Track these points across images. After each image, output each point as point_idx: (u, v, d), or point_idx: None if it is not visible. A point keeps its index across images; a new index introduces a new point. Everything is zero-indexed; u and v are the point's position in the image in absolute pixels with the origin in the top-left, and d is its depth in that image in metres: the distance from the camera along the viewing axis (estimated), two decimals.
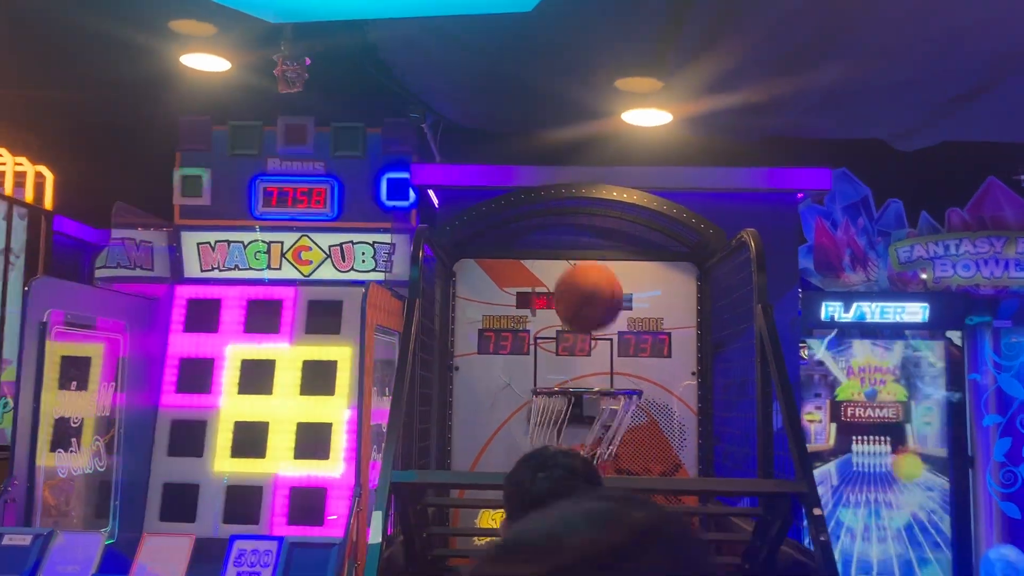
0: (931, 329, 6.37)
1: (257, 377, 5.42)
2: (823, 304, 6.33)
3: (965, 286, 6.38)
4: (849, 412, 6.36)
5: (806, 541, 3.59)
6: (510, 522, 2.08)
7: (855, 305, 6.31)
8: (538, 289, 4.85)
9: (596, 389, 4.22)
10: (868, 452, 6.31)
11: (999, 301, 6.33)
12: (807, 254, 6.40)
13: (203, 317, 5.56)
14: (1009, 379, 6.27)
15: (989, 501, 6.24)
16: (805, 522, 3.26)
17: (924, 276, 6.41)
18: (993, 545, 6.18)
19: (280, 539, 3.87)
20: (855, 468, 6.32)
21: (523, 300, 4.89)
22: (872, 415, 6.35)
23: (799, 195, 5.27)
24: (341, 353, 5.36)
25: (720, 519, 4.44)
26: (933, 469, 6.33)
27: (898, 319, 6.29)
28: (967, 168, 6.34)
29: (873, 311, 6.30)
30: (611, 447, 3.96)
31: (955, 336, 6.38)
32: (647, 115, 5.13)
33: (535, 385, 4.64)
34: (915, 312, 6.28)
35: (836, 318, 6.34)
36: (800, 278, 5.83)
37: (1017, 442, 6.22)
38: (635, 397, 4.06)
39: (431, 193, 5.36)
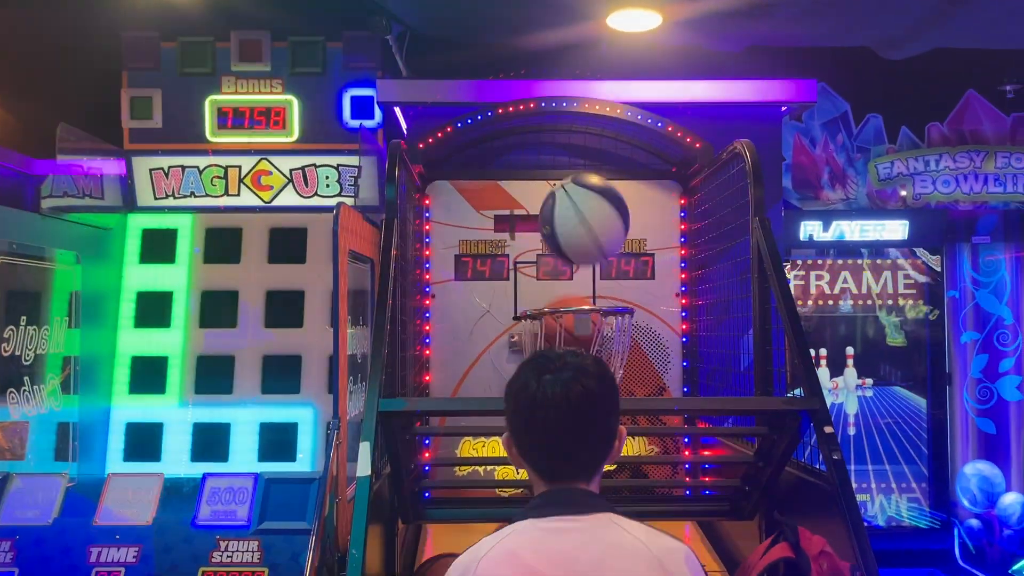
0: (911, 246, 6.29)
1: (220, 310, 5.15)
2: (802, 223, 6.21)
3: (944, 202, 6.29)
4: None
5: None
6: (514, 437, 1.87)
7: (834, 224, 6.20)
8: (517, 211, 4.63)
9: (586, 308, 4.03)
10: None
11: (978, 217, 6.26)
12: (785, 172, 6.24)
13: (159, 248, 5.24)
14: (987, 295, 6.24)
15: (966, 417, 6.26)
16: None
17: (904, 193, 6.31)
18: (969, 460, 6.21)
19: (256, 475, 3.68)
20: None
21: (501, 223, 4.66)
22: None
23: (783, 108, 5.07)
24: (308, 282, 5.11)
25: (707, 443, 4.34)
26: (912, 387, 6.32)
27: (878, 237, 6.20)
28: (947, 82, 6.20)
29: (853, 229, 6.19)
30: (618, 371, 3.79)
31: (922, 256, 6.30)
32: (636, 17, 4.85)
33: (515, 311, 4.46)
34: (895, 230, 6.18)
35: (815, 238, 6.23)
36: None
37: (994, 358, 6.22)
38: (627, 316, 3.89)
39: (398, 111, 5.05)
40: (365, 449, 2.77)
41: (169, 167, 5.31)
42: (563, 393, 1.76)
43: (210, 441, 4.98)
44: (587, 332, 3.85)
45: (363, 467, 2.74)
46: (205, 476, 3.67)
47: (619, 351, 3.80)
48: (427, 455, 4.45)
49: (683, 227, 4.69)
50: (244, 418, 5.01)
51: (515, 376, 1.86)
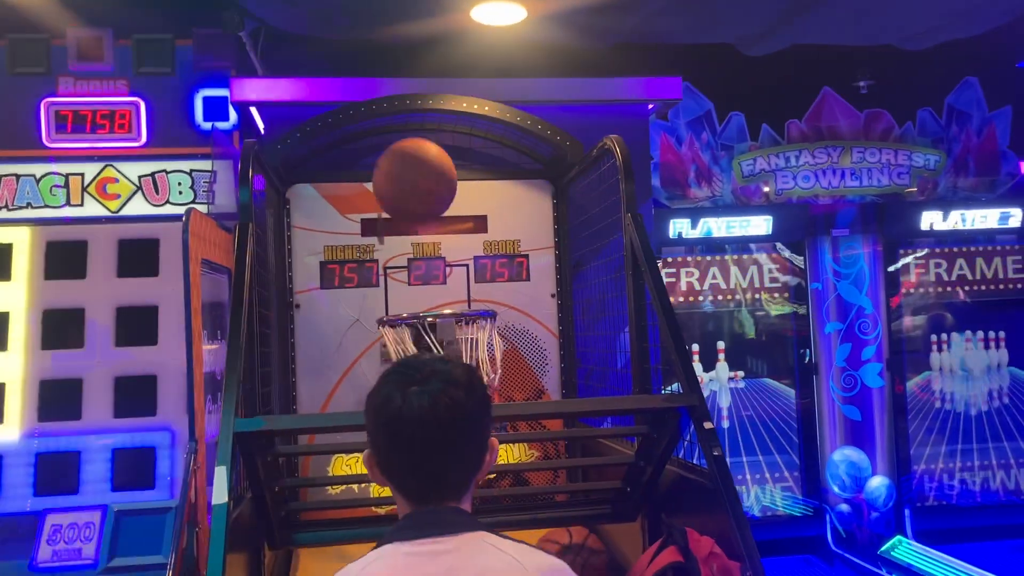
0: (775, 241, 6.44)
1: (63, 330, 4.74)
2: (671, 221, 6.26)
3: (805, 197, 6.47)
4: None
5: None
6: (376, 455, 1.70)
7: (701, 221, 6.27)
8: (384, 215, 4.44)
9: (448, 312, 3.89)
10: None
11: (837, 211, 6.47)
12: (654, 171, 6.28)
13: None
14: (848, 286, 6.45)
15: (832, 406, 6.44)
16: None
17: (766, 189, 6.45)
18: (837, 447, 6.40)
19: (103, 507, 3.36)
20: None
21: (368, 227, 4.48)
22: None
23: (650, 106, 5.08)
24: (161, 296, 4.76)
25: (588, 444, 4.28)
26: (782, 378, 6.47)
27: (743, 233, 6.31)
28: (805, 79, 6.39)
29: (719, 226, 6.28)
30: (494, 376, 3.65)
31: (785, 250, 6.47)
32: (499, 10, 4.74)
33: (385, 316, 4.28)
34: (759, 225, 6.31)
35: (684, 235, 6.29)
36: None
37: (856, 347, 6.43)
38: (489, 319, 3.77)
39: (254, 112, 4.79)
40: (221, 474, 2.53)
41: (1, 176, 4.86)
42: (430, 406, 1.60)
43: (57, 473, 4.57)
44: (449, 337, 3.72)
45: (219, 493, 2.50)
46: (44, 512, 3.32)
47: (488, 356, 3.68)
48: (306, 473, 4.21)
49: (556, 227, 4.62)
50: (95, 445, 4.62)
51: (376, 388, 1.69)
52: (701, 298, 6.43)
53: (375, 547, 1.65)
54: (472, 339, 3.79)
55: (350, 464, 4.41)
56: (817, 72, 6.37)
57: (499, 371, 3.69)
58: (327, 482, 4.17)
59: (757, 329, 6.46)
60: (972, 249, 6.68)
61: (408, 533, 1.63)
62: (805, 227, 6.44)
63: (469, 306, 4.39)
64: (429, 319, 3.70)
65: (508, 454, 4.51)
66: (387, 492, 3.57)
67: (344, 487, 4.29)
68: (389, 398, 1.63)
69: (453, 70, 4.95)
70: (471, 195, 4.51)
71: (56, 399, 4.67)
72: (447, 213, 4.07)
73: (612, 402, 3.60)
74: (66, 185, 4.91)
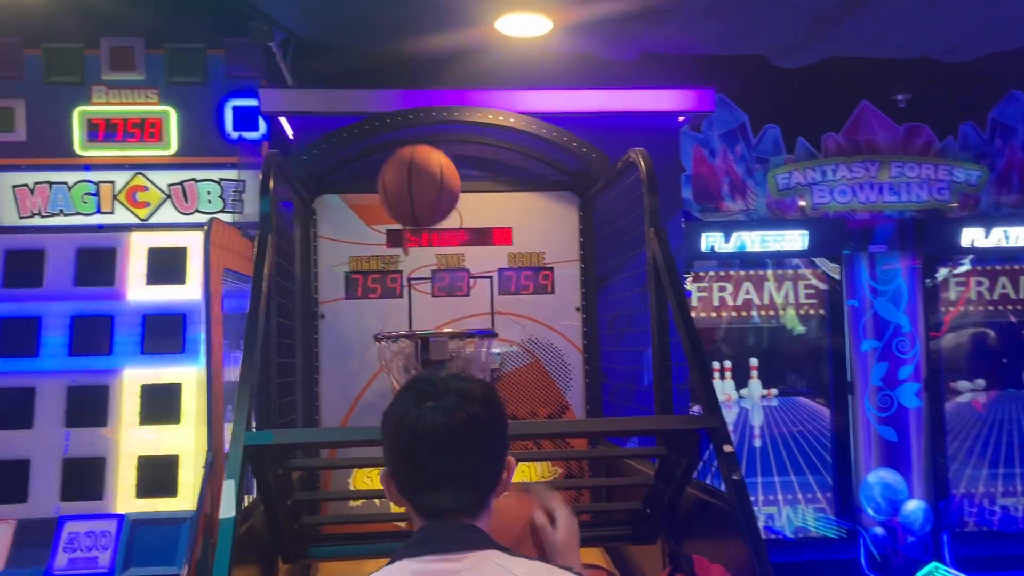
0: (811, 256, 6.31)
1: (92, 336, 4.76)
2: (703, 235, 6.16)
3: (842, 212, 6.34)
4: None
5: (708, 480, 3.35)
6: (392, 472, 1.66)
7: (735, 235, 6.17)
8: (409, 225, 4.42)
9: (446, 331, 3.87)
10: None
11: (874, 226, 6.32)
12: (686, 184, 6.19)
13: (25, 271, 4.83)
14: (885, 303, 6.30)
15: (868, 426, 6.29)
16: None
17: (802, 203, 6.33)
18: (872, 468, 6.24)
19: (120, 517, 3.36)
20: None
21: (394, 238, 4.46)
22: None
23: (681, 118, 5.00)
24: (189, 305, 4.77)
25: (614, 462, 4.20)
26: (815, 397, 6.33)
27: (778, 247, 6.19)
28: (842, 92, 6.26)
29: (753, 240, 6.18)
30: None
31: (826, 265, 6.34)
32: (524, 21, 4.70)
33: (410, 330, 4.26)
34: (794, 240, 6.19)
35: (716, 249, 6.19)
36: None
37: (893, 366, 6.27)
38: (487, 338, 3.73)
39: (284, 122, 4.80)
40: (229, 487, 2.51)
41: (35, 183, 4.93)
42: (445, 422, 1.57)
43: (82, 478, 4.58)
44: (443, 356, 3.68)
45: (226, 508, 2.48)
46: (62, 519, 3.33)
47: (485, 373, 3.66)
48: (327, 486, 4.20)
49: (582, 239, 4.56)
50: (121, 451, 4.64)
51: (392, 404, 1.66)
52: (734, 313, 6.32)
53: (387, 563, 1.62)
54: (475, 354, 3.78)
55: (371, 477, 4.38)
56: (854, 85, 6.24)
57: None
58: (340, 496, 4.14)
59: (790, 346, 6.33)
60: (1016, 267, 6.49)
61: (417, 549, 1.59)
62: (841, 242, 6.30)
63: (492, 319, 4.34)
64: (426, 336, 3.70)
65: (531, 471, 4.45)
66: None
67: (364, 501, 4.26)
68: (404, 414, 1.61)
69: (479, 81, 4.92)
70: (496, 206, 4.48)
71: (82, 405, 4.71)
72: (473, 224, 4.04)
73: (630, 422, 3.52)
74: (97, 193, 4.96)
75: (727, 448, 2.68)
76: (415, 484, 1.63)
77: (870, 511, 6.20)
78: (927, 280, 6.35)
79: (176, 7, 4.81)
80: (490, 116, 4.36)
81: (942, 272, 6.41)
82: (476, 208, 4.46)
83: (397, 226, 4.42)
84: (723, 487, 2.74)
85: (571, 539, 2.03)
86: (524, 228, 4.53)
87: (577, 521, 2.08)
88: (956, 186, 6.43)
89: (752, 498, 5.84)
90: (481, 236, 4.48)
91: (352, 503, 4.28)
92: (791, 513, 6.24)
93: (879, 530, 6.18)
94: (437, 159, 3.80)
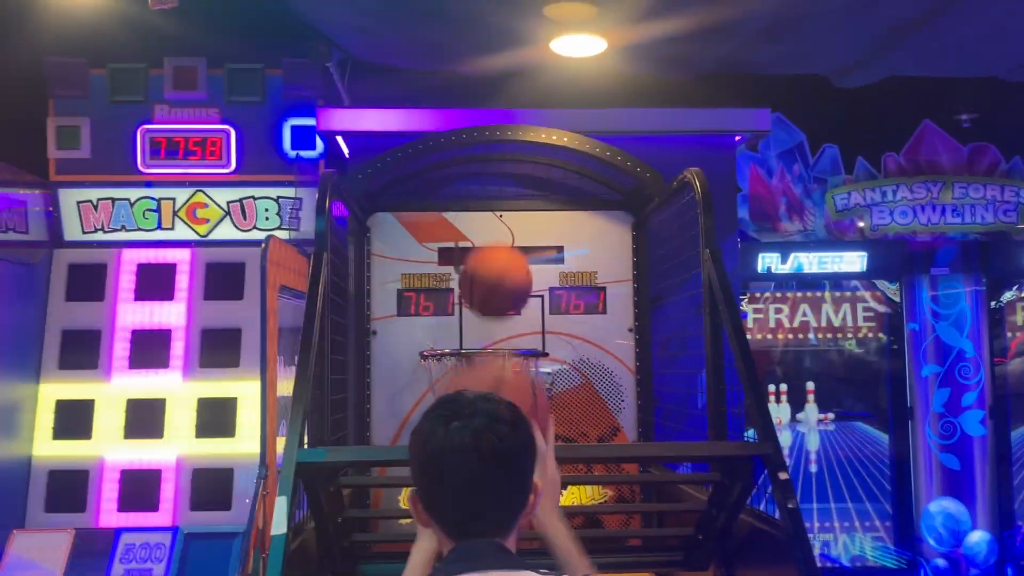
0: (869, 278, 6.18)
1: (151, 350, 4.88)
2: (759, 256, 6.07)
3: (902, 233, 6.20)
4: None
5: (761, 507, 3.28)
6: (419, 492, 1.64)
7: (792, 256, 6.06)
8: (462, 244, 4.43)
9: (490, 350, 3.84)
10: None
11: (936, 248, 6.17)
12: (742, 204, 6.12)
13: (87, 284, 4.98)
14: (947, 328, 6.13)
15: (929, 453, 6.11)
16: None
17: (861, 224, 6.20)
18: (933, 498, 6.05)
19: (175, 530, 3.41)
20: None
21: (446, 256, 4.46)
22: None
23: (736, 138, 4.94)
24: (245, 321, 4.85)
25: (665, 486, 4.13)
26: (874, 422, 6.18)
27: (836, 269, 6.08)
28: (903, 111, 6.14)
29: (811, 261, 6.07)
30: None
31: (886, 287, 6.21)
32: (579, 42, 4.69)
33: (460, 347, 4.25)
34: (853, 261, 6.07)
35: (773, 270, 6.09)
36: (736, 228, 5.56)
37: (956, 392, 6.09)
38: (532, 358, 3.69)
39: (340, 141, 4.86)
40: (281, 504, 2.52)
41: (98, 199, 5.05)
42: (472, 441, 1.55)
43: (138, 489, 4.66)
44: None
45: (279, 524, 2.49)
46: (118, 531, 3.39)
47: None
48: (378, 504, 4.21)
49: (635, 259, 4.52)
50: (177, 464, 4.72)
51: (420, 424, 1.64)
52: (790, 335, 6.21)
53: None
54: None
55: None
56: (915, 104, 6.11)
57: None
58: (390, 515, 4.14)
59: (848, 370, 6.19)
60: None
61: (450, 568, 1.57)
62: (902, 264, 6.16)
63: (543, 339, 4.32)
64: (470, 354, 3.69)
65: (581, 494, 4.41)
66: None
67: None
68: (432, 433, 1.59)
69: (533, 101, 4.92)
70: (548, 225, 4.46)
71: (140, 418, 4.80)
72: (524, 243, 4.02)
73: (683, 447, 3.47)
74: (158, 209, 5.06)
75: (782, 475, 2.62)
76: (441, 503, 1.61)
77: (931, 541, 6.02)
78: (992, 303, 6.17)
79: (236, 27, 4.90)
80: (543, 135, 4.35)
81: (1008, 295, 6.23)
82: (528, 227, 4.45)
83: (449, 243, 4.44)
84: (778, 514, 2.68)
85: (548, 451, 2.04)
86: (576, 247, 4.50)
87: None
88: None
89: (807, 524, 5.73)
90: (532, 255, 4.47)
91: (402, 521, 4.28)
92: (848, 541, 6.08)
93: (941, 561, 5.99)
94: (496, 266, 3.60)
